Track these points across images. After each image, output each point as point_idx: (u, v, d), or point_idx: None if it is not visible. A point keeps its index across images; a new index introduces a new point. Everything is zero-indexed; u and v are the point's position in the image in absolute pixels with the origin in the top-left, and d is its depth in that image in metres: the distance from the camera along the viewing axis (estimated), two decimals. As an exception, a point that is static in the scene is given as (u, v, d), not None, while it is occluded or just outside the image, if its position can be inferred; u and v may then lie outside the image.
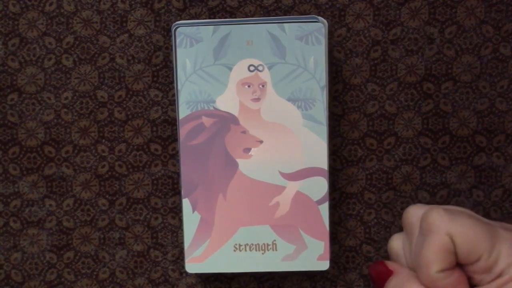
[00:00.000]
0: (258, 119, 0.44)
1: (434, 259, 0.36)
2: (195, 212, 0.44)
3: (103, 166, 0.47)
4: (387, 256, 0.47)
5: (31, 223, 0.47)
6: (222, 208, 0.44)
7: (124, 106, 0.47)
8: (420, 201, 0.47)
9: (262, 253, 0.45)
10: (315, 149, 0.44)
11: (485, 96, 0.46)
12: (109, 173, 0.47)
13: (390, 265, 0.39)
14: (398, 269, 0.39)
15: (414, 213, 0.38)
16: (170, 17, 0.46)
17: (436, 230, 0.36)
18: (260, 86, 0.44)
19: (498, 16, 0.46)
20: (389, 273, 0.39)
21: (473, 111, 0.46)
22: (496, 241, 0.36)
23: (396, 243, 0.40)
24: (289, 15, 0.46)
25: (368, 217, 0.47)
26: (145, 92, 0.47)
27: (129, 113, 0.47)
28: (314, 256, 0.45)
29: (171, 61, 0.46)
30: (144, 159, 0.47)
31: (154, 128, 0.47)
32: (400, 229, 0.47)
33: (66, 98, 0.47)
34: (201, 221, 0.44)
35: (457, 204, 0.47)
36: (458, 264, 0.37)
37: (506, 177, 0.47)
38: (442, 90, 0.46)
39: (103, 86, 0.47)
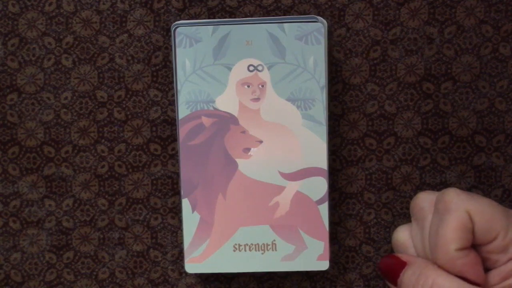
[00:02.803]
0: (258, 119, 0.44)
1: (453, 236, 0.35)
2: (195, 212, 0.44)
3: (102, 166, 0.47)
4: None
5: (30, 223, 0.47)
6: (222, 208, 0.44)
7: (124, 106, 0.47)
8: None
9: (262, 253, 0.45)
10: (315, 149, 0.44)
11: (484, 96, 0.46)
12: (109, 173, 0.47)
13: (402, 256, 0.39)
14: (411, 259, 0.38)
15: (425, 197, 0.38)
16: (169, 17, 0.46)
17: (454, 208, 0.36)
18: (260, 86, 0.44)
19: (497, 16, 0.46)
20: (402, 265, 0.38)
21: (473, 111, 0.46)
22: None
23: (403, 234, 0.40)
24: (289, 15, 0.46)
25: (368, 217, 0.47)
26: (144, 92, 0.47)
27: (128, 113, 0.47)
28: (314, 256, 0.45)
29: (170, 61, 0.46)
30: (143, 159, 0.47)
31: (154, 128, 0.47)
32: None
33: (66, 98, 0.47)
34: (200, 221, 0.44)
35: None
36: (473, 246, 0.36)
37: (505, 177, 0.47)
38: (442, 90, 0.46)
39: (103, 86, 0.47)
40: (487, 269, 0.37)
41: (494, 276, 0.36)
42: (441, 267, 0.36)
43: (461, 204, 0.36)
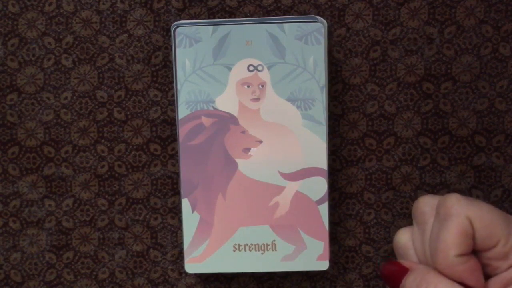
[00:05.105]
0: (258, 119, 0.44)
1: (453, 242, 0.35)
2: (195, 212, 0.44)
3: (102, 166, 0.47)
4: (387, 256, 0.47)
5: (30, 223, 0.47)
6: (222, 208, 0.44)
7: (124, 106, 0.47)
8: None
9: (262, 253, 0.45)
10: (315, 149, 0.44)
11: (484, 96, 0.46)
12: (109, 173, 0.47)
13: (404, 262, 0.39)
14: (413, 265, 0.38)
15: (427, 201, 0.38)
16: (169, 17, 0.46)
17: (455, 214, 0.36)
18: (260, 86, 0.44)
19: (497, 16, 0.46)
20: (404, 271, 0.38)
21: (473, 111, 0.46)
22: None
23: (404, 237, 0.40)
24: (289, 15, 0.46)
25: (368, 217, 0.47)
26: (144, 92, 0.47)
27: (128, 113, 0.47)
28: (314, 256, 0.45)
29: (170, 61, 0.46)
30: (143, 159, 0.47)
31: (154, 128, 0.47)
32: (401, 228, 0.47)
33: (66, 98, 0.47)
34: (200, 221, 0.44)
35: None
36: (473, 252, 0.36)
37: (505, 177, 0.47)
38: (442, 90, 0.46)
39: (103, 86, 0.47)
40: (487, 276, 0.37)
41: (495, 283, 0.36)
42: (441, 272, 0.36)
43: (462, 209, 0.36)
